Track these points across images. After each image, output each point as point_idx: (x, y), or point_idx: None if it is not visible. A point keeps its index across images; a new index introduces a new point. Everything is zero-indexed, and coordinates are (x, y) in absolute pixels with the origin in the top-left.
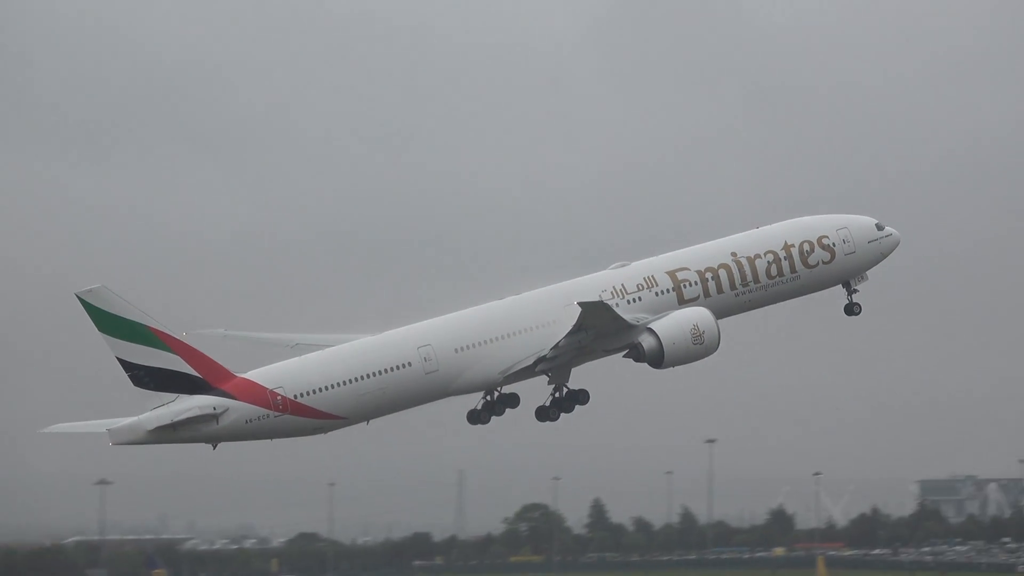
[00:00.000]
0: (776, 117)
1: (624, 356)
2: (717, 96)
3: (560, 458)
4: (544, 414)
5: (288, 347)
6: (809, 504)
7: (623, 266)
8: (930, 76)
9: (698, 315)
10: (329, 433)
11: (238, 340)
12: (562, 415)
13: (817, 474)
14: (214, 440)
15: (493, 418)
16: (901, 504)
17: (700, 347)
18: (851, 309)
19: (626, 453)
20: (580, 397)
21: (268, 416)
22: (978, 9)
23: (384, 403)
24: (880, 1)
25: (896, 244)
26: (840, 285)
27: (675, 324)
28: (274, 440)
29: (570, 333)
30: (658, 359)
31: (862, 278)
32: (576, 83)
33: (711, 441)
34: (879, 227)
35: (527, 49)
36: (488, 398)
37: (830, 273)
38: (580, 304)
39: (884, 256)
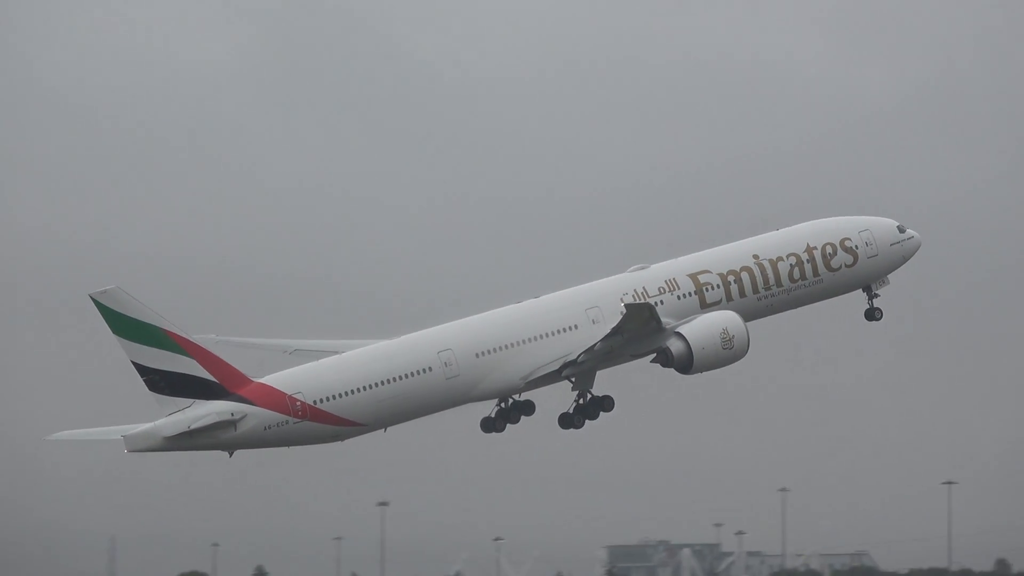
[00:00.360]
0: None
1: (652, 361)
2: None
3: (219, 522)
4: (568, 421)
5: (286, 353)
6: (489, 572)
7: (642, 269)
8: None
9: (727, 319)
10: (345, 441)
11: (231, 346)
12: (587, 422)
13: (498, 539)
14: (231, 447)
15: (508, 426)
16: (588, 571)
17: (729, 352)
18: (872, 314)
19: (293, 516)
20: (605, 404)
21: (287, 423)
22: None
23: (403, 409)
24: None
25: (918, 247)
26: (860, 290)
27: (704, 328)
28: (291, 448)
29: (608, 336)
30: (687, 364)
31: (883, 282)
32: None
33: (383, 504)
34: (901, 229)
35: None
36: (502, 405)
37: (853, 276)
38: (627, 306)
39: (906, 259)
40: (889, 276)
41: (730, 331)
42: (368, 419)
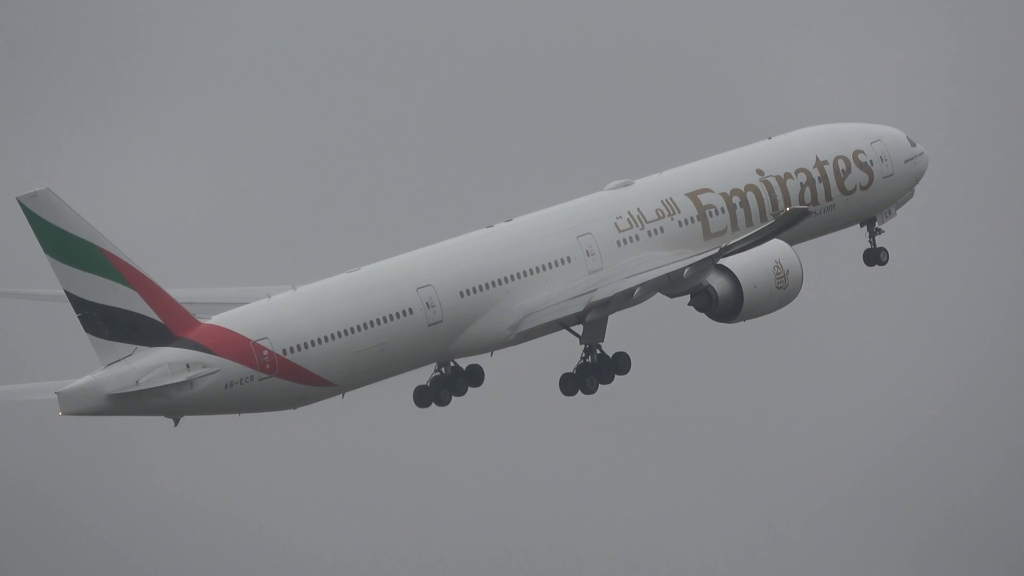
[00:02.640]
0: None
1: (689, 304)
2: None
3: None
4: (572, 384)
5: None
6: None
7: (625, 185)
8: None
9: (779, 250)
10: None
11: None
12: (600, 386)
13: None
14: (180, 412)
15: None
16: None
17: (783, 292)
18: (876, 256)
19: None
20: (619, 364)
21: (253, 379)
22: None
23: (379, 365)
24: None
25: (926, 166)
26: (859, 224)
27: (755, 261)
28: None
29: (711, 258)
30: (733, 308)
31: (889, 214)
32: None
33: None
34: (911, 142)
35: None
36: (442, 371)
37: (866, 201)
38: (791, 210)
39: (916, 181)
40: (896, 207)
41: (783, 264)
42: (341, 376)
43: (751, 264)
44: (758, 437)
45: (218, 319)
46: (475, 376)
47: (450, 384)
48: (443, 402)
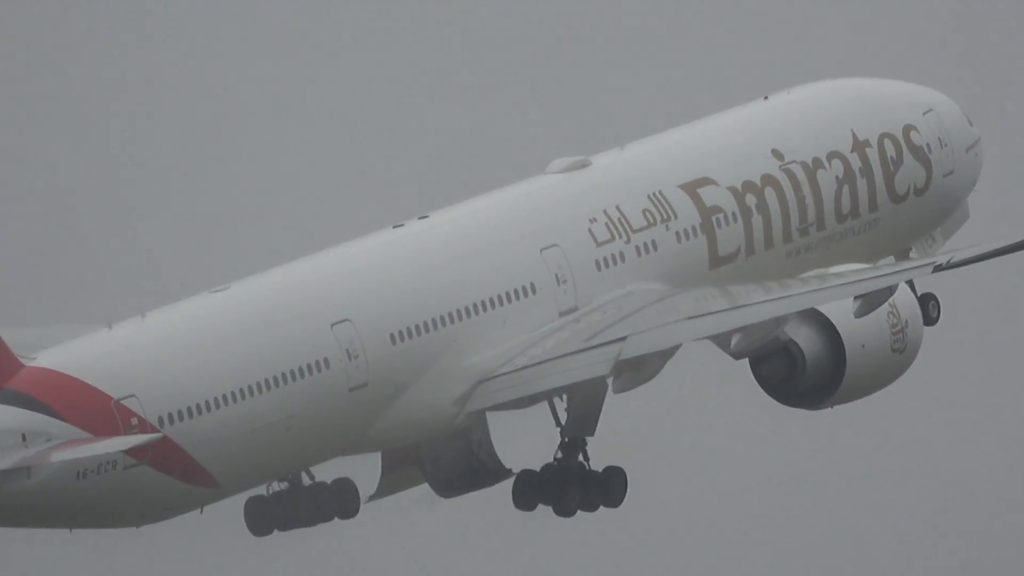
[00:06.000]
0: None
1: (761, 373)
2: None
3: None
4: (532, 497)
5: None
6: None
7: (582, 166)
8: None
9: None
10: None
11: None
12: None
13: None
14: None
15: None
16: None
17: (900, 357)
18: (924, 309)
19: None
20: (616, 481)
21: (116, 465)
22: None
23: (278, 453)
24: None
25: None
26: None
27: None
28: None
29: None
30: (831, 380)
31: (931, 240)
32: None
33: None
34: (968, 120)
35: None
36: (288, 481)
37: (916, 217)
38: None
39: (973, 186)
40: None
41: (900, 312)
42: (227, 469)
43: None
44: None
45: (50, 359)
46: (347, 495)
47: (297, 501)
48: (302, 521)
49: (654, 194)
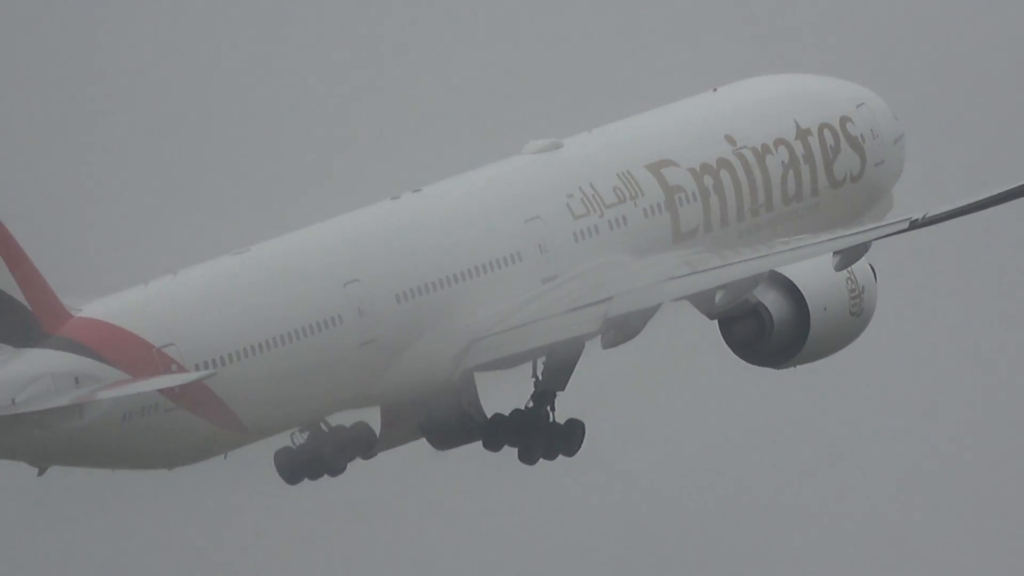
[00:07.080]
0: None
1: (734, 334)
2: None
3: None
4: (500, 431)
5: None
6: None
7: (555, 148)
8: None
9: None
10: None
11: None
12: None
13: None
14: (45, 458)
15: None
16: None
17: (857, 320)
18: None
19: None
20: (574, 433)
21: (158, 408)
22: None
23: (299, 401)
24: None
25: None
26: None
27: (820, 271)
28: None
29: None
30: (795, 341)
31: (862, 225)
32: None
33: None
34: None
35: None
36: (323, 427)
37: (850, 203)
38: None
39: (897, 178)
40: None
41: (858, 278)
42: (255, 416)
43: (816, 275)
44: None
45: (95, 311)
46: (365, 441)
47: (333, 445)
48: (335, 470)
49: (622, 173)
